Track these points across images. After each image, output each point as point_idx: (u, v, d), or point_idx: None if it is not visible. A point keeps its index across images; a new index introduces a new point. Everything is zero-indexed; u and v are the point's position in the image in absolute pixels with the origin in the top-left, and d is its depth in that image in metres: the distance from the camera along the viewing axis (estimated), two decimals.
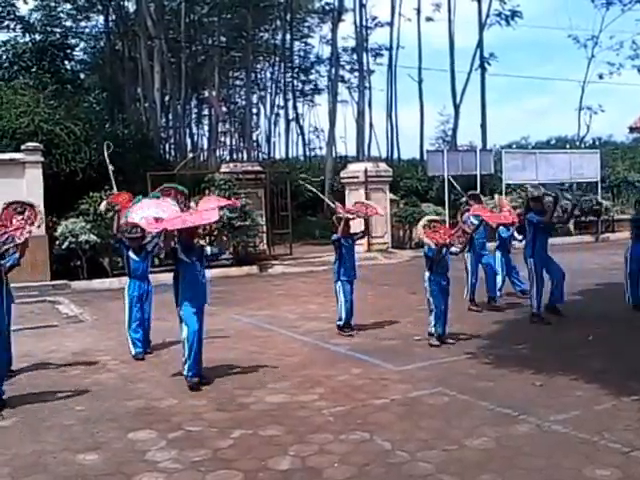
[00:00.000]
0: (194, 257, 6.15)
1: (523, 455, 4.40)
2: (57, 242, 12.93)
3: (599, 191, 20.77)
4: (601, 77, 36.27)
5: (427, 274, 7.36)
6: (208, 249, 6.54)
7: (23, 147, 13.10)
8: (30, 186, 12.73)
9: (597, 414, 5.06)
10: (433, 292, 7.32)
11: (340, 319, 8.11)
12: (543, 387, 5.75)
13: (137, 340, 7.37)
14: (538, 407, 5.21)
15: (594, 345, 7.17)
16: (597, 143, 38.28)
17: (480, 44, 30.79)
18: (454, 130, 32.65)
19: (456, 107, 31.40)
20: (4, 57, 19.80)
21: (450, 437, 4.71)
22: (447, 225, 7.33)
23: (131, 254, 7.50)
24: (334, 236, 8.06)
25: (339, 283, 8.04)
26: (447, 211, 18.02)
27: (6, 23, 28.03)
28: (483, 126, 30.22)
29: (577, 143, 35.95)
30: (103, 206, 8.44)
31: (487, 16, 31.22)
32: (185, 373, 6.13)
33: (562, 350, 7.04)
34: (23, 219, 6.11)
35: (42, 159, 13.17)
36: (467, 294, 9.25)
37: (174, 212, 6.01)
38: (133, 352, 7.31)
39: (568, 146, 31.11)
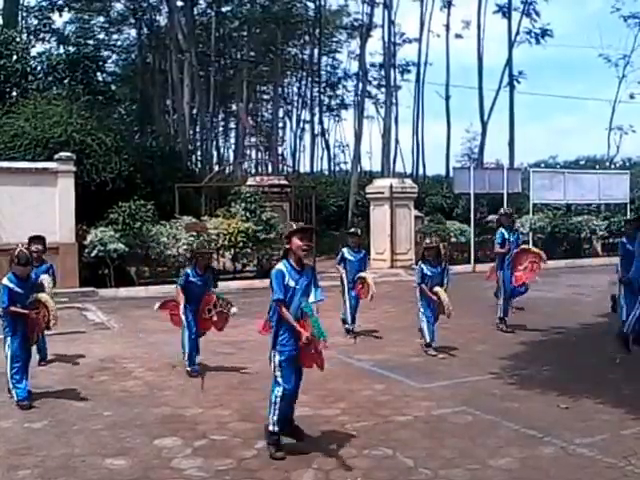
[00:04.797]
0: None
1: (549, 478, 4.36)
2: (86, 250, 13.17)
3: (628, 213, 20.50)
4: (632, 97, 36.07)
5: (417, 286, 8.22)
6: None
7: (56, 157, 13.34)
8: (62, 195, 13.02)
9: (624, 439, 4.99)
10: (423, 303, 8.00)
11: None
12: (569, 409, 5.69)
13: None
14: (564, 430, 5.16)
15: (621, 368, 7.08)
16: (627, 164, 37.75)
17: (509, 62, 30.71)
18: (481, 147, 32.56)
19: (483, 124, 31.32)
20: (39, 68, 20.23)
21: (474, 456, 4.69)
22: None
23: (192, 277, 6.96)
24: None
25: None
26: (472, 229, 17.93)
27: (42, 35, 28.85)
28: (511, 144, 30.05)
29: (607, 163, 35.48)
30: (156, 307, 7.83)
31: (517, 34, 31.15)
32: None
33: (588, 372, 6.97)
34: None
35: (74, 169, 13.43)
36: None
37: None
38: (189, 368, 6.93)
39: (597, 166, 30.73)
